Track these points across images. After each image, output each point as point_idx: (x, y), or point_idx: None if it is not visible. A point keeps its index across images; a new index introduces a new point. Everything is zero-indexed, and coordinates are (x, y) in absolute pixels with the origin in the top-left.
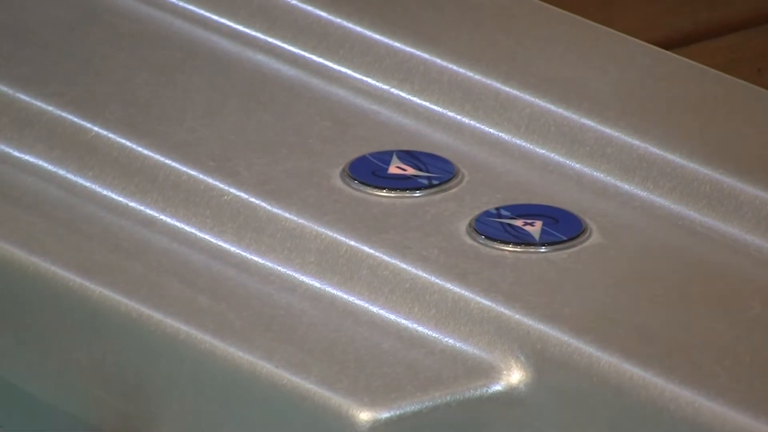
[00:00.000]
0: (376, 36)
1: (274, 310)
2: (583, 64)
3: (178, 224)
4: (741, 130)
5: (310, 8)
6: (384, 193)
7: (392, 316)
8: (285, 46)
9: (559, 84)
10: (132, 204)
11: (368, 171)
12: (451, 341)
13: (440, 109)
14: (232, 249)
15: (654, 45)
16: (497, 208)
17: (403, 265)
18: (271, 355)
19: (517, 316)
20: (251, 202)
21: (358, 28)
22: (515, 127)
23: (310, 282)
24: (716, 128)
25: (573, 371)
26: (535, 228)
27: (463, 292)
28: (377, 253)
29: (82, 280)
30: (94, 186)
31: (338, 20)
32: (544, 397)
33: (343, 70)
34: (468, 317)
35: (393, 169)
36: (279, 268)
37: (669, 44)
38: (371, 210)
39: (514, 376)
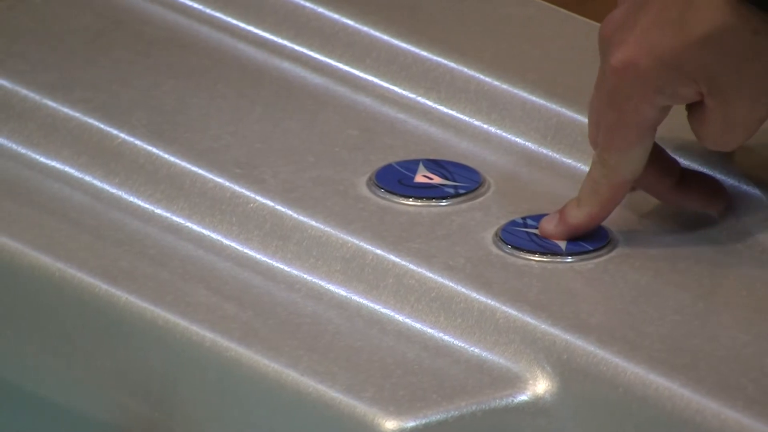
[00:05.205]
0: (403, 44)
1: (299, 318)
2: None
3: (204, 231)
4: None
5: (337, 16)
6: (410, 201)
7: (418, 325)
8: (311, 54)
9: (585, 93)
10: (158, 211)
11: (394, 179)
12: (476, 351)
13: (467, 118)
14: (258, 257)
15: None
16: (523, 218)
17: (429, 274)
18: (296, 363)
19: (543, 326)
20: (277, 209)
21: (385, 37)
22: (541, 137)
23: (336, 290)
24: None
25: (599, 381)
26: None
27: (489, 301)
28: (403, 262)
29: (108, 286)
30: (120, 193)
31: (365, 29)
32: (569, 407)
33: (370, 78)
34: (494, 327)
35: (419, 178)
36: (305, 276)
37: None
38: (397, 219)
39: (540, 386)
